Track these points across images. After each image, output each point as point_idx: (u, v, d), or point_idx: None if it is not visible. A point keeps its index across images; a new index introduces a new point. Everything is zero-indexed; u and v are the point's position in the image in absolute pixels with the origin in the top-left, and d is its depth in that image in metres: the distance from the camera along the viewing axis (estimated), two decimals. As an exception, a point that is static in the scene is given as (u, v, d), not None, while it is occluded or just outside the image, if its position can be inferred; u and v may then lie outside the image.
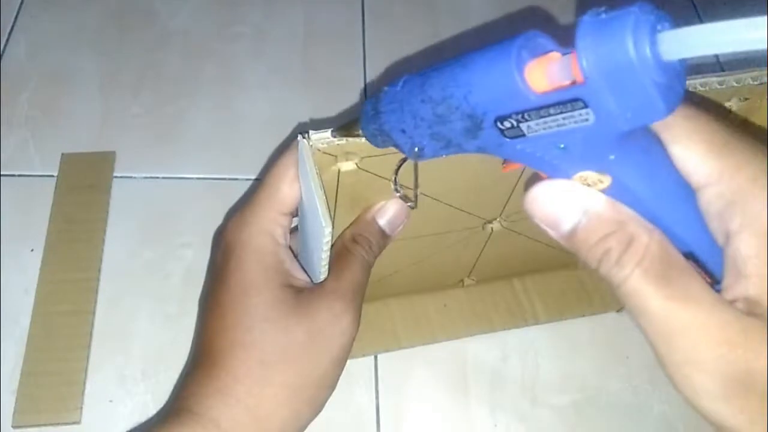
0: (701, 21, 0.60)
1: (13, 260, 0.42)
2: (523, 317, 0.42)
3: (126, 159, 0.46)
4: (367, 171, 0.28)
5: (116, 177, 0.46)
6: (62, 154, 0.46)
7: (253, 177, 0.46)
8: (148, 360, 0.39)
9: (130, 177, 0.46)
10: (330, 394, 0.28)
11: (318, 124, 0.49)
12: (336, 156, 0.26)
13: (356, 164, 0.27)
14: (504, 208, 0.36)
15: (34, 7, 0.54)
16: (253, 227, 0.27)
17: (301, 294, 0.27)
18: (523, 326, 0.41)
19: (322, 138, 0.25)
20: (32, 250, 0.42)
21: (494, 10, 0.56)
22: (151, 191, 0.45)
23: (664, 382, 0.39)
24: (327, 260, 0.27)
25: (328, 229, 0.24)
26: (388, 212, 0.30)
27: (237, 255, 0.27)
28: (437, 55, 0.53)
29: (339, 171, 0.27)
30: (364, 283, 0.29)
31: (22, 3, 0.54)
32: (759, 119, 0.35)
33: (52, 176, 0.45)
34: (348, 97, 0.50)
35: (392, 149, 0.24)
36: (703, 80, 0.31)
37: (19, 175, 0.46)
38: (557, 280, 0.43)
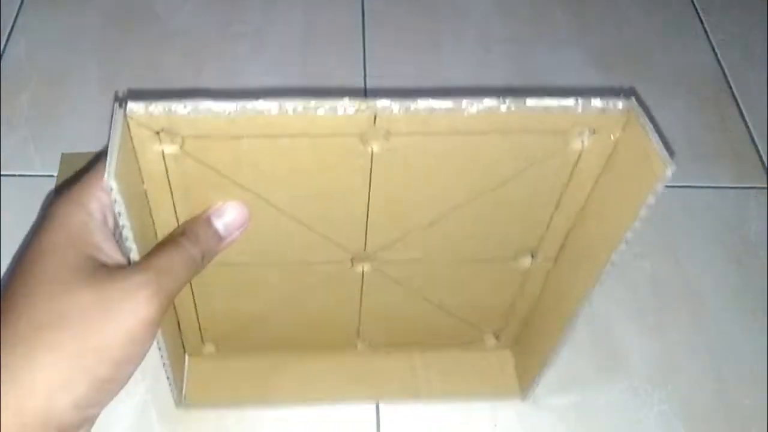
0: (701, 21, 0.60)
1: (13, 260, 0.42)
2: (417, 394, 0.39)
3: (126, 159, 0.46)
4: (194, 157, 0.26)
5: (116, 177, 0.46)
6: (62, 153, 0.46)
7: (253, 177, 0.46)
8: (147, 360, 0.39)
9: (130, 177, 0.46)
10: (121, 374, 0.26)
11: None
12: (157, 133, 0.25)
13: (180, 147, 0.26)
14: (366, 236, 0.32)
15: (34, 7, 0.54)
16: (69, 199, 0.27)
17: (104, 267, 0.26)
18: (414, 401, 0.39)
19: (138, 109, 0.23)
20: (32, 250, 0.42)
21: (494, 10, 0.56)
22: (151, 191, 0.45)
23: (664, 382, 0.39)
24: (124, 230, 0.25)
25: (111, 183, 0.23)
26: (225, 214, 0.29)
27: (47, 222, 0.26)
28: (437, 55, 0.53)
29: (163, 153, 0.26)
30: (179, 272, 0.27)
31: (22, 3, 0.54)
32: (619, 161, 0.31)
33: (52, 176, 0.45)
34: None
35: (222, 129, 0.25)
36: (545, 104, 0.27)
37: (19, 175, 0.46)
38: (460, 359, 0.40)
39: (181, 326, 0.36)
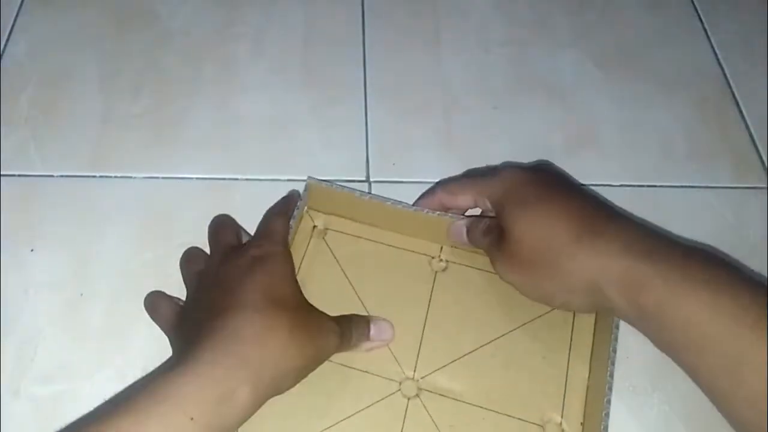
0: (701, 21, 0.60)
1: (13, 260, 0.42)
2: None
3: (126, 159, 0.46)
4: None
5: (116, 177, 0.46)
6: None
7: (253, 177, 0.46)
8: (148, 360, 0.39)
9: (130, 177, 0.46)
10: (300, 378, 0.34)
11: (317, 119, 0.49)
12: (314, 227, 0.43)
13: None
14: (418, 355, 0.40)
15: (34, 7, 0.54)
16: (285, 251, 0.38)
17: (306, 302, 0.36)
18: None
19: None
20: (32, 250, 0.42)
21: (494, 10, 0.56)
22: (151, 191, 0.45)
23: (664, 382, 0.39)
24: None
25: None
26: (380, 326, 0.39)
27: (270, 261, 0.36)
28: (437, 55, 0.53)
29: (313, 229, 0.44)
30: (349, 336, 0.37)
31: (22, 3, 0.54)
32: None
33: (52, 176, 0.45)
34: (348, 97, 0.50)
35: None
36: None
37: (19, 175, 0.46)
38: None
39: None
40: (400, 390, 0.39)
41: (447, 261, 0.43)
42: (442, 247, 0.43)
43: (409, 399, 0.38)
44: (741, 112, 0.51)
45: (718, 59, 0.54)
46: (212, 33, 0.54)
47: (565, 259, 0.35)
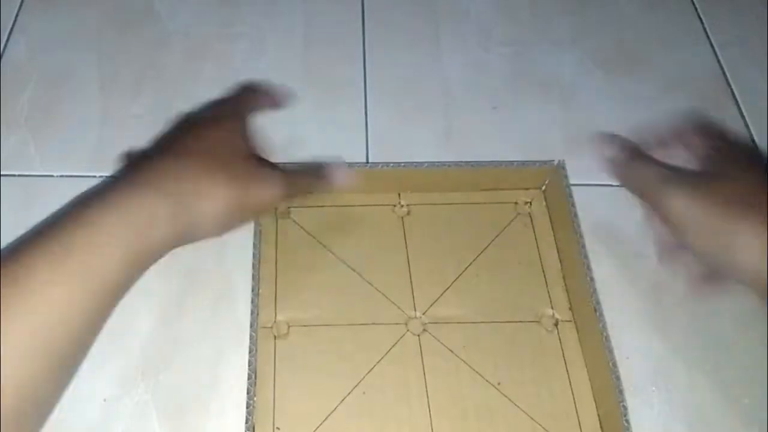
0: (701, 21, 0.60)
1: (13, 260, 0.42)
2: None
3: (126, 159, 0.46)
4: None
5: (116, 177, 0.46)
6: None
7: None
8: (148, 360, 0.39)
9: (130, 177, 0.46)
10: (234, 226, 0.35)
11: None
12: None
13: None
14: (413, 296, 0.43)
15: (34, 7, 0.54)
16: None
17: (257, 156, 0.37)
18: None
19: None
20: (32, 250, 0.42)
21: (494, 10, 0.56)
22: (151, 191, 0.45)
23: (664, 382, 0.39)
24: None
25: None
26: (339, 167, 0.40)
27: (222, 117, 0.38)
28: (437, 55, 0.53)
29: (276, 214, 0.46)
30: (301, 185, 0.39)
31: (22, 3, 0.54)
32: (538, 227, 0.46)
33: (52, 176, 0.45)
34: (348, 97, 0.50)
35: None
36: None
37: (19, 175, 0.46)
38: None
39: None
40: (408, 330, 0.41)
41: (408, 205, 0.46)
42: (399, 194, 0.47)
43: (419, 335, 0.41)
44: (741, 112, 0.51)
45: (718, 59, 0.54)
46: (212, 33, 0.54)
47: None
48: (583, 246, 0.42)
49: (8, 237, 0.43)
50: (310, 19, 0.55)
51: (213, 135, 0.36)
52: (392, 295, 0.43)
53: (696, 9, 0.57)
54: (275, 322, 0.41)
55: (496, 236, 0.45)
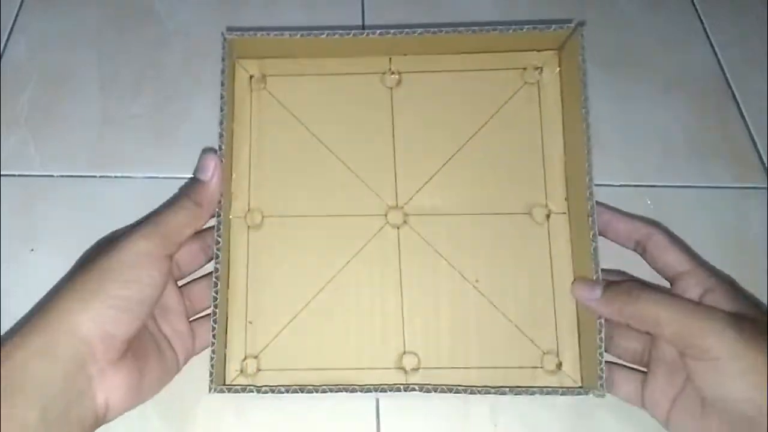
0: (701, 21, 0.60)
1: (13, 260, 0.42)
2: None
3: (126, 159, 0.46)
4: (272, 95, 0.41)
5: (116, 177, 0.46)
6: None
7: (253, 177, 0.46)
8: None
9: (130, 177, 0.46)
10: (127, 290, 0.33)
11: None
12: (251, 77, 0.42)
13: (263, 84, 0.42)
14: (396, 185, 0.39)
15: (34, 7, 0.54)
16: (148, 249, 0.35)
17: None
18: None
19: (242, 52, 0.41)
20: (32, 250, 0.42)
21: (494, 10, 0.56)
22: (151, 191, 0.45)
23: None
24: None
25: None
26: (203, 166, 0.37)
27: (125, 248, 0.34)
28: (437, 55, 0.53)
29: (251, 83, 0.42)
30: (180, 224, 0.36)
31: (22, 3, 0.54)
32: (550, 95, 0.41)
33: (52, 176, 0.45)
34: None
35: None
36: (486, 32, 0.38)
37: (19, 175, 0.46)
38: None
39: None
40: (387, 222, 0.39)
41: (399, 72, 0.41)
42: (390, 59, 0.41)
43: (398, 228, 0.39)
44: (741, 112, 0.51)
45: (718, 59, 0.54)
46: (212, 33, 0.54)
47: None
48: (588, 127, 0.37)
49: (8, 237, 0.43)
50: (310, 19, 0.55)
51: (88, 275, 0.33)
52: (373, 182, 0.39)
53: (696, 9, 0.57)
54: (249, 210, 0.39)
55: (497, 110, 0.40)
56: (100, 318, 0.31)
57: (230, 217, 0.39)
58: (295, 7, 0.55)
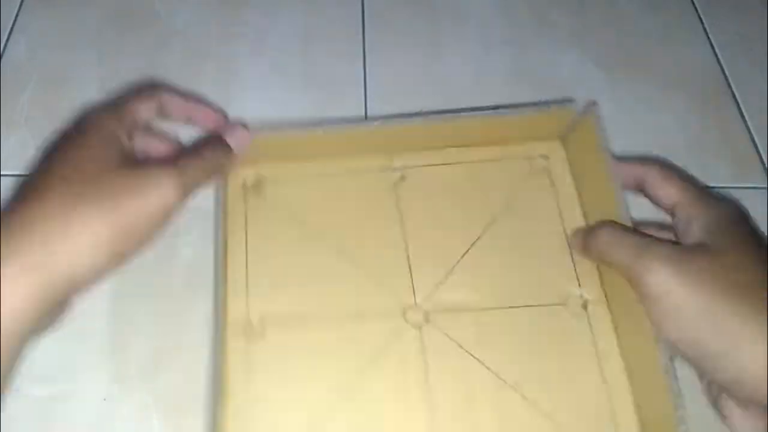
0: (701, 21, 0.60)
1: (13, 260, 0.42)
2: None
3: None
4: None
5: (116, 177, 0.46)
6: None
7: (253, 177, 0.46)
8: (147, 359, 0.39)
9: (130, 177, 0.46)
10: (137, 249, 0.31)
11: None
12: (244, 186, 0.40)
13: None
14: (412, 282, 0.36)
15: (34, 7, 0.54)
16: (105, 110, 0.34)
17: (132, 159, 0.32)
18: None
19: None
20: (32, 250, 0.42)
21: (494, 10, 0.56)
22: (151, 191, 0.45)
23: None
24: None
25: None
26: (236, 133, 0.37)
27: (84, 123, 0.34)
28: (437, 55, 0.53)
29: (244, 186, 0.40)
30: (197, 172, 0.33)
31: (22, 3, 0.54)
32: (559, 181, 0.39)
33: (52, 176, 0.45)
34: (348, 97, 0.50)
35: None
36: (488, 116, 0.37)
37: (19, 175, 0.46)
38: None
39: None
40: (407, 322, 0.35)
41: (402, 168, 0.39)
42: (391, 157, 0.39)
43: (420, 328, 0.35)
44: (741, 112, 0.51)
45: (718, 59, 0.54)
46: (212, 33, 0.54)
47: None
48: (623, 202, 0.34)
49: (8, 237, 0.43)
50: (310, 20, 0.55)
51: (77, 153, 0.31)
52: (387, 280, 0.36)
53: (696, 9, 0.56)
54: (248, 319, 0.35)
55: (507, 203, 0.37)
56: None
57: (227, 328, 0.35)
58: (295, 7, 0.55)
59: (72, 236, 0.28)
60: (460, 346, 0.34)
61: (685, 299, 0.29)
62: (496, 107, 0.38)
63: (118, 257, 0.30)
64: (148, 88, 0.37)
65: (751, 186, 0.47)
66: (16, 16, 0.53)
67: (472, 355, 0.34)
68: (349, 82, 0.51)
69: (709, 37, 0.55)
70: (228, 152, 0.36)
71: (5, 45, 0.52)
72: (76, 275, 0.28)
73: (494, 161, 0.39)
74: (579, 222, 0.37)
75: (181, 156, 0.33)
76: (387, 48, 0.53)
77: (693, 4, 0.57)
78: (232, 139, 0.36)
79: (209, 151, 0.35)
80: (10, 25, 0.53)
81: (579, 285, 0.35)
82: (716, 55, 0.54)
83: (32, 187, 0.30)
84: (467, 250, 0.36)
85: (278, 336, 0.35)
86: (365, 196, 0.38)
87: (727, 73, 0.53)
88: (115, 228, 0.29)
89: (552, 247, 0.36)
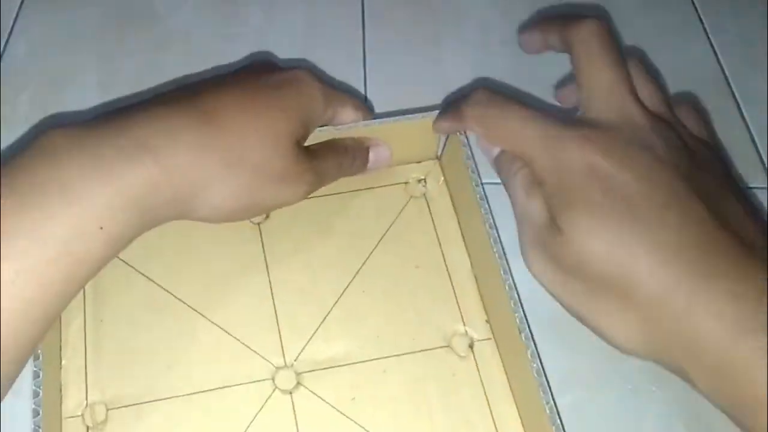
0: (701, 21, 0.60)
1: (13, 260, 0.42)
2: None
3: (126, 159, 0.46)
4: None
5: (116, 177, 0.46)
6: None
7: (253, 177, 0.46)
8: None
9: (130, 177, 0.46)
10: (235, 216, 0.30)
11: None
12: None
13: None
14: (281, 338, 0.31)
15: (34, 7, 0.54)
16: (318, 82, 0.33)
17: (302, 143, 0.32)
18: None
19: None
20: (32, 250, 0.42)
21: (495, 11, 0.56)
22: (151, 191, 0.45)
23: (664, 382, 0.39)
24: None
25: None
26: (379, 150, 0.35)
27: (293, 74, 0.33)
28: (437, 55, 0.53)
29: None
30: (329, 175, 0.33)
31: (22, 3, 0.54)
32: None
33: (52, 176, 0.45)
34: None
35: None
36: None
37: (19, 175, 0.45)
38: None
39: None
40: (276, 387, 0.31)
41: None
42: None
43: (291, 392, 0.31)
44: (741, 112, 0.51)
45: (718, 59, 0.54)
46: (212, 33, 0.54)
47: (644, 297, 0.25)
48: (495, 233, 0.30)
49: (8, 237, 0.43)
50: (310, 20, 0.55)
51: (269, 102, 0.30)
52: (251, 341, 0.32)
53: (696, 9, 0.56)
54: (87, 406, 0.31)
55: (383, 233, 0.34)
56: None
57: (62, 418, 0.30)
58: (295, 7, 0.55)
59: (212, 183, 0.28)
60: (335, 408, 0.31)
61: (546, 162, 0.29)
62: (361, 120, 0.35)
63: (225, 218, 0.30)
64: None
65: (751, 186, 0.47)
66: (16, 16, 0.53)
67: (348, 417, 0.31)
68: (349, 82, 0.51)
69: (709, 37, 0.55)
70: (362, 169, 0.34)
71: (5, 45, 0.52)
72: (196, 209, 0.29)
73: (366, 189, 0.35)
74: (461, 254, 0.34)
75: (322, 152, 0.32)
76: (387, 48, 0.53)
77: (693, 4, 0.57)
78: (373, 155, 0.34)
79: (348, 160, 0.34)
80: (10, 25, 0.53)
81: (464, 323, 0.33)
82: (716, 55, 0.54)
83: (208, 104, 0.31)
84: (339, 297, 0.33)
85: (125, 423, 0.30)
86: (225, 240, 0.34)
87: (727, 73, 0.53)
88: (246, 202, 0.30)
89: (433, 283, 0.34)
